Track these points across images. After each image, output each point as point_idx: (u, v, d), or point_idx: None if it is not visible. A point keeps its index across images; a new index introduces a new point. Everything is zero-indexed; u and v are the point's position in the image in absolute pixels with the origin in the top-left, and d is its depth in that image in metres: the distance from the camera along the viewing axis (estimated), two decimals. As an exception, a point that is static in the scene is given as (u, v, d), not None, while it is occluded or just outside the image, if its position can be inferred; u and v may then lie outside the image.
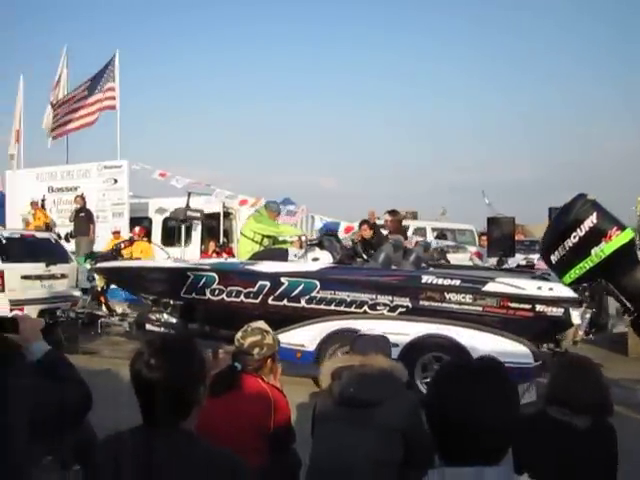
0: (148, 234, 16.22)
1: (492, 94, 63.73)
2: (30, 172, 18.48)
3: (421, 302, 8.26)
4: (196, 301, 9.69)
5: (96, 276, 11.96)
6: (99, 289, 11.79)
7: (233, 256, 13.41)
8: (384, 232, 10.97)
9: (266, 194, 17.93)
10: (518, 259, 14.08)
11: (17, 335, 2.84)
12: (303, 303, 8.83)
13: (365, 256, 9.84)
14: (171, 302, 10.07)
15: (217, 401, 3.67)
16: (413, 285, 8.38)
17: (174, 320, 10.10)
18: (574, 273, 7.74)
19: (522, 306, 7.84)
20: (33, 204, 16.92)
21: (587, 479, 3.02)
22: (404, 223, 19.88)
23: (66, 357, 2.93)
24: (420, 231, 19.25)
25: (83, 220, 15.86)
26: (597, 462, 3.04)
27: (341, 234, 14.64)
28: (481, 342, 7.71)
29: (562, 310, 7.70)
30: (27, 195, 17.37)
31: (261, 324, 4.17)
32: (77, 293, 11.97)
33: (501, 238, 13.32)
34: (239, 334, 4.03)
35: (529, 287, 7.88)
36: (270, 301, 9.00)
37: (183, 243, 13.93)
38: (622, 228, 7.49)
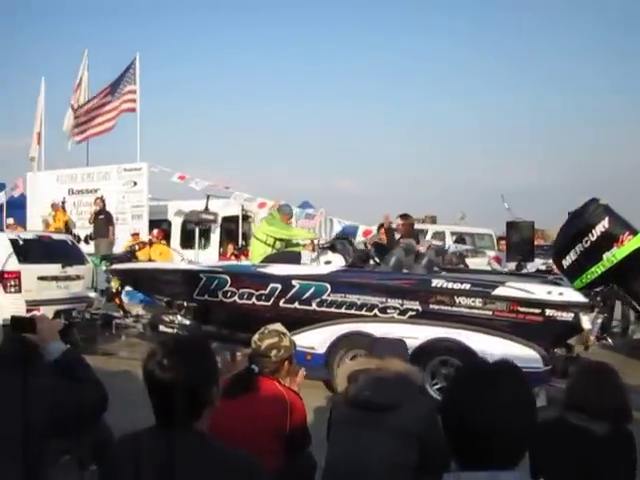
0: (167, 237, 16.32)
1: (513, 97, 63.32)
2: (51, 174, 18.68)
3: (431, 306, 8.25)
4: (209, 303, 9.76)
5: (111, 277, 12.06)
6: (114, 290, 11.88)
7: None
8: (396, 236, 10.98)
9: (285, 197, 17.97)
10: (537, 264, 13.94)
11: (35, 335, 2.91)
12: (314, 306, 8.86)
13: (377, 259, 9.83)
14: (185, 304, 10.15)
15: (234, 403, 3.70)
16: (423, 289, 8.36)
17: (187, 322, 10.17)
18: (585, 278, 7.69)
19: (532, 310, 7.79)
20: (54, 206, 17.09)
21: None
22: (423, 227, 19.92)
23: (83, 357, 3.00)
24: (439, 235, 19.19)
25: (102, 222, 15.99)
26: (615, 468, 3.01)
27: (359, 237, 14.66)
28: (490, 346, 7.66)
29: (572, 315, 7.64)
30: (47, 197, 17.56)
31: (278, 326, 4.20)
32: (93, 294, 12.07)
33: (520, 243, 13.17)
34: (256, 336, 4.04)
35: (539, 291, 7.83)
36: (281, 304, 9.04)
37: (198, 246, 14.00)
38: (634, 233, 7.42)
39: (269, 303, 9.11)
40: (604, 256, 7.48)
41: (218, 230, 16.94)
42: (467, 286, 8.13)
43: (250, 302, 9.26)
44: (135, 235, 15.34)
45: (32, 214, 18.35)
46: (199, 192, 17.02)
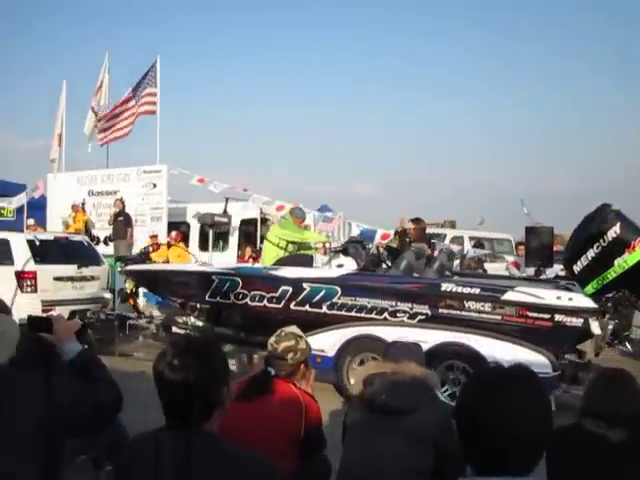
0: (185, 239, 16.38)
1: (535, 101, 62.85)
2: (71, 176, 18.75)
3: (440, 310, 8.25)
4: (221, 305, 9.81)
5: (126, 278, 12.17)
6: (128, 291, 11.98)
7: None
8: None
9: (304, 201, 17.96)
10: (556, 269, 13.84)
11: (51, 335, 2.94)
12: (325, 309, 8.88)
13: (389, 263, 9.83)
14: (198, 306, 10.21)
15: (250, 405, 3.71)
16: (432, 293, 8.36)
17: (200, 323, 10.24)
18: (597, 283, 7.67)
19: (541, 316, 7.76)
20: (74, 207, 17.21)
21: None
22: (441, 231, 19.85)
23: (98, 358, 3.02)
24: (457, 240, 19.03)
25: (121, 224, 16.05)
26: (632, 476, 2.93)
27: (378, 240, 14.62)
28: (499, 351, 7.63)
29: (582, 320, 7.60)
30: (68, 198, 17.66)
31: (294, 329, 4.17)
32: (108, 295, 12.18)
33: (539, 248, 13.08)
34: (273, 339, 4.02)
35: (548, 297, 7.79)
36: (292, 306, 9.07)
37: (213, 248, 14.03)
38: (646, 238, 7.38)
39: (280, 305, 9.14)
40: (615, 262, 7.46)
41: (236, 233, 16.96)
42: (476, 290, 8.12)
43: (261, 304, 9.30)
44: (154, 237, 15.40)
45: (52, 215, 18.45)
46: (218, 195, 17.04)
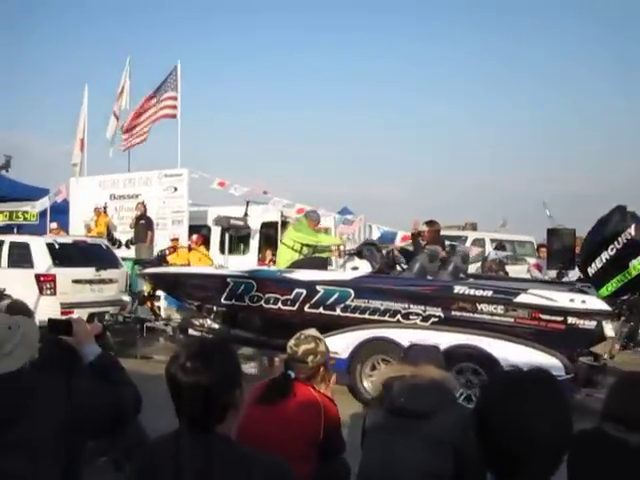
0: (206, 242, 16.45)
1: (555, 105, 62.30)
2: (93, 180, 18.89)
3: (453, 312, 8.24)
4: (236, 307, 9.87)
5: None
6: (146, 294, 12.08)
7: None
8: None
9: (325, 203, 18.01)
10: (578, 272, 13.72)
11: (70, 337, 2.94)
12: (338, 311, 8.91)
13: (404, 265, 9.83)
14: (214, 308, 10.27)
15: (269, 409, 3.71)
16: (445, 295, 8.36)
17: (217, 326, 10.29)
18: (611, 286, 7.60)
19: (554, 318, 7.72)
20: (96, 210, 17.35)
21: None
22: (463, 234, 19.77)
23: (117, 360, 3.02)
24: (479, 242, 18.95)
25: (142, 227, 16.16)
26: None
27: (398, 242, 14.60)
28: (512, 353, 7.62)
29: (595, 323, 7.55)
30: (90, 202, 17.80)
31: (313, 332, 4.13)
32: (126, 298, 12.29)
33: (561, 250, 12.93)
34: (292, 342, 3.99)
35: (561, 299, 7.75)
36: (306, 309, 9.11)
37: (227, 251, 14.02)
38: (661, 241, 7.31)
39: (294, 308, 9.18)
40: (630, 264, 7.39)
41: (257, 236, 17.01)
42: (489, 293, 8.10)
43: (276, 307, 9.35)
44: (174, 240, 15.49)
45: (75, 219, 18.62)
46: (239, 198, 17.08)
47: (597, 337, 7.64)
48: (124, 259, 13.99)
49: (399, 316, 8.54)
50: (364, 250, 9.83)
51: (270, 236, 17.34)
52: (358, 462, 3.67)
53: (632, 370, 3.86)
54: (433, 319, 8.35)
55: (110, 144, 20.26)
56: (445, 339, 7.80)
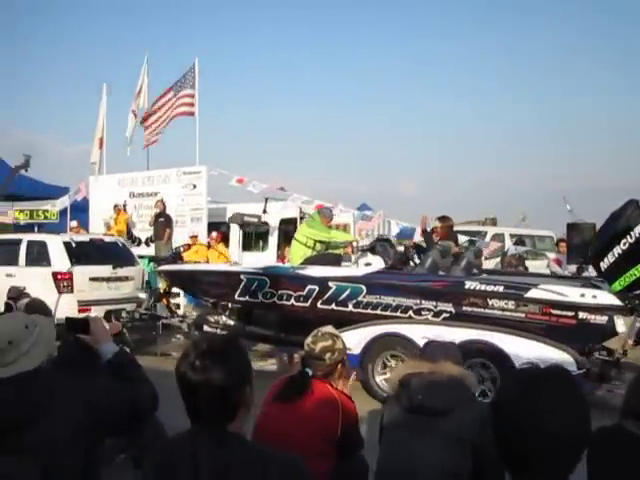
0: (226, 239, 16.50)
1: (574, 97, 61.59)
2: (112, 178, 18.94)
3: (464, 308, 8.23)
4: (250, 304, 9.92)
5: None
6: (161, 291, 12.16)
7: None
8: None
9: (344, 199, 18.00)
10: (598, 266, 13.60)
11: (88, 336, 2.99)
12: (350, 307, 8.92)
13: (417, 261, 9.82)
14: (229, 305, 10.32)
15: (287, 407, 3.71)
16: (456, 291, 8.35)
17: (232, 322, 10.35)
18: (624, 280, 7.54)
19: (565, 313, 7.68)
20: (116, 207, 17.42)
21: None
22: (482, 229, 19.70)
23: (134, 358, 3.06)
24: (498, 237, 18.85)
25: (161, 225, 16.22)
26: None
27: (417, 238, 14.58)
28: (523, 349, 7.62)
29: (606, 318, 7.51)
30: (109, 200, 17.86)
31: (330, 329, 4.13)
32: (143, 295, 12.40)
33: (581, 245, 12.87)
34: (309, 339, 3.99)
35: (572, 294, 7.71)
36: (319, 305, 9.13)
37: (241, 248, 14.07)
38: (674, 235, 7.25)
39: (307, 304, 9.21)
40: (643, 258, 7.34)
41: (276, 233, 17.03)
42: (500, 288, 8.08)
43: (289, 303, 9.38)
44: (193, 237, 15.55)
45: (94, 217, 18.70)
46: (259, 195, 17.10)
47: (609, 332, 7.58)
48: (141, 257, 14.10)
49: (411, 312, 8.53)
50: (377, 246, 9.82)
51: (289, 233, 17.27)
52: (376, 459, 3.67)
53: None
54: (444, 315, 8.34)
55: (128, 144, 20.34)
56: (456, 335, 7.79)
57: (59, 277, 11.42)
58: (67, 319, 3.10)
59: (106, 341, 2.99)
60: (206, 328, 10.46)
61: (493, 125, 63.09)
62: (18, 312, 3.38)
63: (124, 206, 17.78)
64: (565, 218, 20.17)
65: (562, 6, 56.08)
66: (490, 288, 8.12)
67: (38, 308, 6.58)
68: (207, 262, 13.40)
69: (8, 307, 7.97)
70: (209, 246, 15.23)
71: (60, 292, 11.34)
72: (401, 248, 10.59)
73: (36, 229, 17.50)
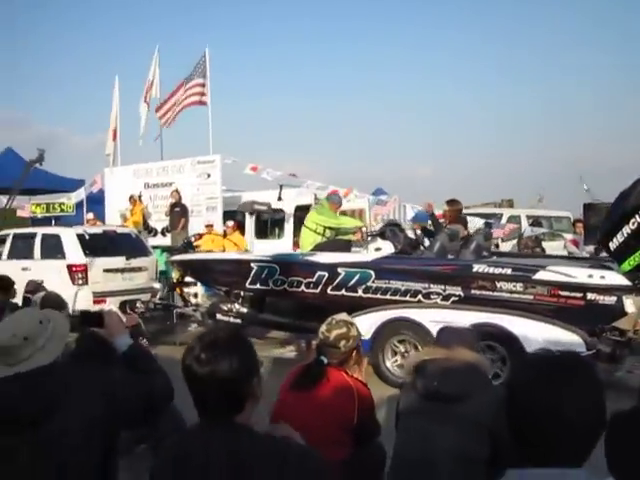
0: (241, 227, 16.53)
1: (591, 76, 60.87)
2: (127, 169, 19.01)
3: (473, 291, 8.21)
4: (261, 292, 9.97)
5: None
6: (175, 281, 12.24)
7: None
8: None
9: (359, 184, 17.96)
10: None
11: (102, 329, 3.01)
12: (360, 292, 8.94)
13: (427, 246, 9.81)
14: (242, 293, 10.38)
15: (303, 395, 3.74)
16: (464, 274, 8.33)
17: (245, 310, 10.40)
18: (633, 260, 7.46)
19: (573, 294, 7.65)
20: (131, 198, 17.45)
21: None
22: (499, 211, 19.57)
23: (149, 351, 3.10)
24: (514, 219, 18.73)
25: (177, 214, 16.28)
26: None
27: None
28: (532, 331, 7.62)
29: (615, 298, 7.47)
30: (125, 192, 17.91)
31: (344, 316, 4.12)
32: (157, 285, 12.49)
33: (599, 225, 12.74)
34: (324, 327, 3.98)
35: (580, 275, 7.67)
36: (329, 291, 9.15)
37: (252, 236, 14.02)
38: (684, 214, 7.17)
39: (317, 291, 9.23)
40: (653, 238, 7.27)
41: (291, 220, 17.03)
42: (508, 271, 8.05)
43: (299, 290, 9.41)
44: (209, 227, 15.58)
45: (110, 209, 18.79)
46: (272, 182, 17.11)
47: (618, 312, 7.54)
48: (155, 247, 14.18)
49: (420, 296, 8.53)
50: (387, 231, 9.81)
51: (304, 219, 17.30)
52: (392, 445, 3.67)
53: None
54: (453, 298, 8.33)
55: (142, 134, 20.40)
56: (466, 318, 7.80)
57: (74, 269, 11.55)
58: (81, 312, 3.13)
59: (121, 334, 3.00)
60: (219, 316, 10.50)
61: (509, 106, 62.59)
62: (31, 308, 3.42)
63: (139, 197, 17.81)
64: (582, 198, 20.05)
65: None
66: (498, 271, 8.10)
67: (53, 302, 6.64)
68: (223, 251, 13.44)
69: (26, 301, 8.06)
70: (225, 235, 15.28)
71: (75, 284, 11.47)
72: (411, 232, 10.58)
73: (53, 222, 17.62)
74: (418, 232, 10.51)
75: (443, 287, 8.40)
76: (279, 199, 16.16)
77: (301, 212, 16.99)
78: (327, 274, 9.12)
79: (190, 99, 18.47)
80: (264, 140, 56.67)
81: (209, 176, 17.09)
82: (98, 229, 13.13)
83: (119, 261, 12.10)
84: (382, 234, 9.78)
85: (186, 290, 12.64)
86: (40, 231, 12.65)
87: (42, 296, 7.13)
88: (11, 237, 12.79)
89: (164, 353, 3.01)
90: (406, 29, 66.35)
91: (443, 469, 3.35)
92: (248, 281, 9.93)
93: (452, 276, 8.42)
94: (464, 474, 3.32)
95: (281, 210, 16.41)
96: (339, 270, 9.04)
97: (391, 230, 9.82)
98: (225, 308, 10.52)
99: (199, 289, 13.88)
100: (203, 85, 18.25)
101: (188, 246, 11.96)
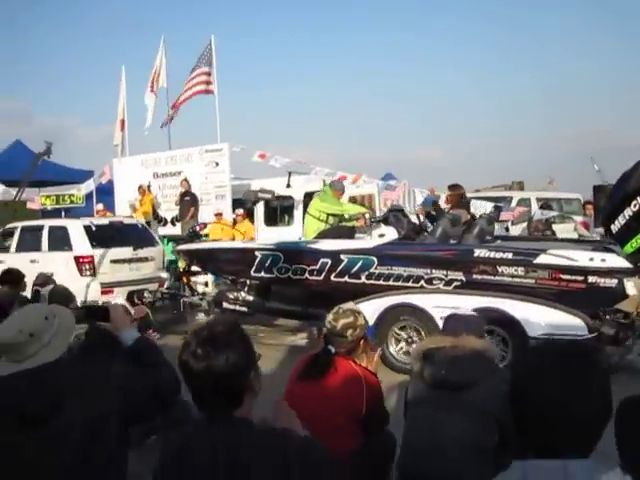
0: (250, 215, 16.53)
1: (598, 57, 60.19)
2: (135, 159, 19.03)
3: (474, 276, 8.20)
4: (265, 280, 10.00)
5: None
6: (181, 270, 12.28)
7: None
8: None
9: (368, 169, 17.93)
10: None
11: (108, 323, 3.04)
12: (363, 279, 8.95)
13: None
14: (247, 281, 10.42)
15: (311, 385, 3.76)
16: (466, 259, 8.32)
17: (251, 298, 10.43)
18: (635, 242, 7.43)
19: (574, 278, 7.63)
20: (140, 188, 17.49)
21: None
22: (509, 194, 19.48)
23: (155, 344, 3.11)
24: (524, 202, 18.64)
25: (187, 203, 16.33)
26: None
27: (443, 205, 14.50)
28: (534, 315, 7.63)
29: (616, 281, 7.45)
30: (133, 182, 17.95)
31: (351, 305, 4.16)
32: (164, 274, 12.55)
33: (605, 207, 12.66)
34: (330, 316, 3.99)
35: (581, 258, 7.65)
36: (333, 278, 9.16)
37: (258, 224, 14.00)
38: (685, 195, 7.13)
39: (321, 278, 9.26)
40: (654, 220, 7.24)
41: (301, 206, 17.02)
42: (509, 255, 8.03)
43: (303, 277, 9.44)
44: (218, 215, 15.61)
45: (120, 199, 18.84)
46: (281, 170, 17.10)
47: (619, 295, 7.52)
48: (163, 237, 14.24)
49: (422, 282, 8.54)
50: (390, 217, 9.81)
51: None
52: (401, 433, 3.70)
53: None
54: (455, 283, 8.32)
55: (149, 123, 20.31)
56: (468, 303, 7.79)
57: (81, 261, 11.62)
58: (87, 307, 3.14)
59: (126, 328, 3.01)
60: (225, 305, 10.55)
61: (517, 87, 62.12)
62: (37, 304, 3.43)
63: (149, 187, 17.85)
64: (593, 179, 19.92)
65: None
66: (499, 255, 8.09)
67: (61, 295, 6.72)
68: (233, 240, 13.48)
69: (36, 294, 8.12)
70: (234, 223, 15.31)
71: (83, 275, 11.56)
72: (415, 218, 10.56)
73: (63, 214, 17.70)
74: (421, 218, 10.49)
75: (445, 272, 8.39)
76: (288, 186, 16.15)
77: (310, 199, 16.99)
78: (330, 261, 9.14)
79: (196, 88, 18.44)
80: (271, 128, 56.69)
81: (217, 164, 17.09)
82: (105, 220, 13.20)
83: (126, 251, 12.16)
84: (385, 220, 9.79)
85: (195, 279, 12.70)
86: (47, 223, 12.72)
87: (49, 290, 7.22)
88: (19, 230, 12.86)
89: (174, 343, 3.01)
90: (409, 15, 65.93)
91: (451, 457, 3.38)
92: (253, 269, 9.96)
93: (454, 261, 8.41)
94: (472, 462, 3.33)
95: (290, 197, 16.40)
96: (342, 257, 9.05)
97: (394, 216, 9.83)
98: (231, 297, 10.55)
99: (209, 278, 13.95)
100: (209, 74, 18.21)
101: (194, 235, 11.98)
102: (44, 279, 8.68)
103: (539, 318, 7.57)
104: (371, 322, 8.39)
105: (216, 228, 14.86)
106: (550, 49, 63.28)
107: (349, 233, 9.97)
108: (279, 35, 68.67)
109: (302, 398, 3.58)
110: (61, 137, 59.74)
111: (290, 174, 16.49)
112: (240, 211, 15.45)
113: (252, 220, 16.17)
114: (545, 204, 18.69)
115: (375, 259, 8.86)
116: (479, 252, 8.24)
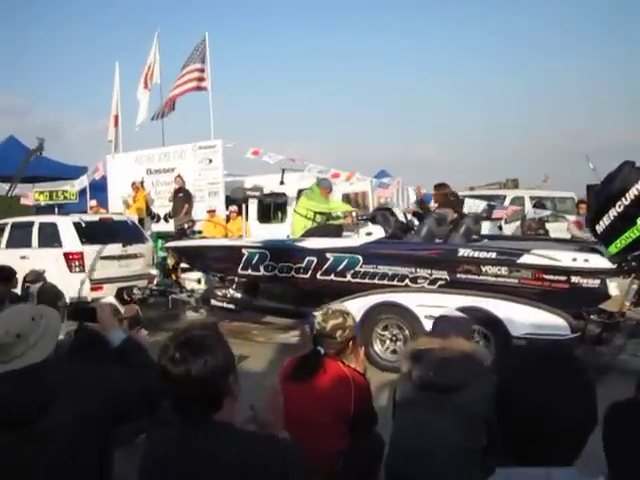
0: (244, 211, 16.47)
1: (598, 55, 60.22)
2: (129, 155, 19.05)
3: (458, 275, 8.21)
4: (252, 277, 10.01)
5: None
6: (170, 267, 12.30)
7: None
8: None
9: (362, 166, 17.91)
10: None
11: (95, 324, 3.05)
12: (349, 277, 8.96)
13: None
14: (235, 279, 10.43)
15: (300, 386, 3.76)
16: (450, 258, 8.33)
17: (239, 295, 10.45)
18: (620, 243, 7.46)
19: (557, 278, 7.63)
20: (133, 185, 17.49)
21: None
22: (502, 192, 19.44)
23: (142, 344, 3.10)
24: (518, 200, 18.62)
25: (180, 200, 16.31)
26: None
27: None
28: (517, 314, 7.63)
29: (599, 281, 7.46)
30: (127, 178, 17.95)
31: (340, 306, 4.19)
32: (153, 271, 12.58)
33: (596, 208, 12.64)
34: (319, 317, 3.99)
35: (564, 259, 7.64)
36: (319, 276, 9.18)
37: (247, 221, 13.87)
38: (670, 196, 7.14)
39: (307, 276, 9.27)
40: (638, 220, 7.25)
41: (294, 203, 16.99)
42: (492, 255, 8.04)
43: (290, 275, 9.45)
44: (211, 212, 15.60)
45: (113, 195, 18.83)
46: (275, 166, 17.07)
47: (602, 295, 7.53)
48: (157, 234, 14.24)
49: (407, 280, 8.55)
50: (377, 215, 9.84)
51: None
52: (389, 434, 3.71)
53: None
54: (440, 282, 8.33)
55: (142, 119, 20.29)
56: (452, 302, 7.81)
57: (70, 257, 11.65)
58: (74, 307, 3.13)
59: (114, 328, 3.03)
60: (213, 302, 10.57)
61: (510, 85, 62.12)
62: (24, 305, 3.42)
63: (142, 183, 17.84)
64: (588, 178, 19.88)
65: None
66: (483, 255, 8.09)
67: (49, 293, 6.74)
68: (226, 236, 13.47)
69: (26, 291, 8.12)
70: (228, 220, 15.29)
71: (72, 272, 11.57)
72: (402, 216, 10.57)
73: (56, 210, 17.69)
74: (409, 217, 10.50)
75: (429, 271, 8.40)
76: (281, 183, 16.18)
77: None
78: (316, 259, 9.15)
79: (187, 85, 18.41)
80: (265, 126, 56.69)
81: (211, 161, 17.07)
82: (95, 217, 13.25)
83: (116, 248, 12.19)
84: (373, 219, 9.80)
85: (188, 276, 12.71)
86: (37, 220, 12.77)
87: (38, 287, 7.23)
88: (9, 226, 12.91)
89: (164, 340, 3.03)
90: (404, 20, 65.89)
91: (438, 459, 3.38)
92: (240, 267, 9.98)
93: (438, 260, 8.42)
94: (460, 464, 3.33)
95: (284, 194, 16.42)
96: (327, 255, 9.07)
97: (382, 214, 9.86)
98: (219, 294, 10.58)
99: (201, 275, 13.95)
100: (202, 70, 18.17)
101: (183, 232, 11.98)
102: (35, 276, 8.69)
103: (522, 318, 7.57)
104: (356, 320, 8.43)
105: (209, 225, 14.85)
106: (549, 48, 63.25)
107: (336, 231, 9.97)
108: (276, 35, 68.95)
109: (291, 399, 3.56)
110: (55, 132, 59.75)
111: (284, 171, 16.51)
112: (233, 208, 15.40)
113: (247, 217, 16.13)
114: (539, 203, 18.65)
115: (360, 258, 8.86)
116: (463, 252, 8.24)
